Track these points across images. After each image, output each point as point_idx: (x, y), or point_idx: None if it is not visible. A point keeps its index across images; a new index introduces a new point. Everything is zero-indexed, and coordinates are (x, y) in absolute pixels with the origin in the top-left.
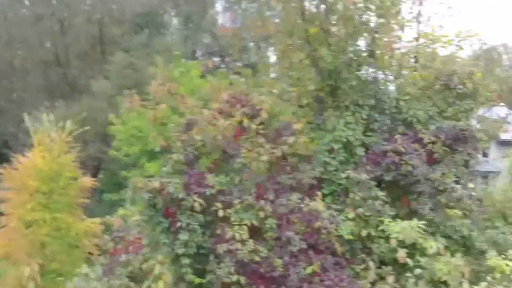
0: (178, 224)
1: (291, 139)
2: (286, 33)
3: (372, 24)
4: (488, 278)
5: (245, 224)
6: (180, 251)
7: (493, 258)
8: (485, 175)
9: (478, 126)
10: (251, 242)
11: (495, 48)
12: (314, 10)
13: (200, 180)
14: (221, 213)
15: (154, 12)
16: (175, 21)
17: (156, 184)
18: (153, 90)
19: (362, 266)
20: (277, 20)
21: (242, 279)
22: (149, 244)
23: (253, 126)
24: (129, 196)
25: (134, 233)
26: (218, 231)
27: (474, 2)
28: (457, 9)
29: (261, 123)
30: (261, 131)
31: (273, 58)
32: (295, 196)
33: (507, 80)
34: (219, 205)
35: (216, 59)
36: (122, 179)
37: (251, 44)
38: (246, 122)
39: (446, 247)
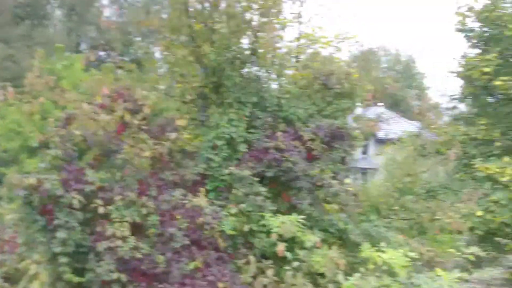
0: (56, 222)
1: (173, 135)
2: (170, 28)
3: (254, 23)
4: (362, 269)
5: (127, 221)
6: (58, 249)
7: (366, 250)
8: (364, 171)
9: (354, 124)
10: (132, 239)
11: (372, 50)
12: (198, 6)
13: (80, 176)
14: (101, 210)
15: (36, 2)
16: (58, 12)
17: (32, 180)
18: (29, 83)
19: (244, 261)
20: (164, 15)
21: (123, 277)
22: (25, 243)
23: (136, 122)
24: (5, 193)
25: (9, 232)
26: (98, 229)
27: (355, 6)
28: (338, 11)
29: (144, 119)
30: (144, 127)
31: (159, 53)
32: (178, 192)
33: (383, 80)
34: (99, 202)
35: (102, 52)
36: (0, 176)
37: (138, 38)
38: (128, 117)
39: (324, 240)
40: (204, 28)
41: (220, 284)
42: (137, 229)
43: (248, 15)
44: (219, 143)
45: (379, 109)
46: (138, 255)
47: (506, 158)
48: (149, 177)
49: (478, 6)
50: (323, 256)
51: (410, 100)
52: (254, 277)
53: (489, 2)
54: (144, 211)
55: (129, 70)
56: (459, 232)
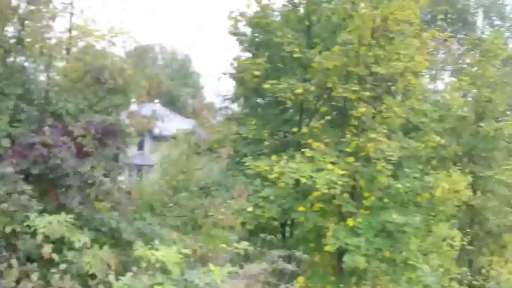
0: None
1: None
2: None
3: (21, 10)
4: (134, 268)
5: None
6: None
7: (140, 249)
8: (140, 168)
9: (128, 121)
10: None
11: (149, 47)
12: None
13: None
14: None
15: None
16: None
17: None
18: None
19: (6, 264)
20: None
21: None
22: None
23: None
24: None
25: None
26: None
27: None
28: (112, 5)
29: None
30: None
31: None
32: None
33: (158, 78)
34: None
35: None
36: None
37: None
38: None
39: (95, 240)
40: None
41: None
42: None
43: (14, 1)
44: None
45: (154, 106)
46: None
47: (274, 157)
48: None
49: (250, 12)
50: (93, 256)
51: (186, 98)
52: (18, 282)
53: (260, 9)
54: None
55: None
56: (231, 228)
